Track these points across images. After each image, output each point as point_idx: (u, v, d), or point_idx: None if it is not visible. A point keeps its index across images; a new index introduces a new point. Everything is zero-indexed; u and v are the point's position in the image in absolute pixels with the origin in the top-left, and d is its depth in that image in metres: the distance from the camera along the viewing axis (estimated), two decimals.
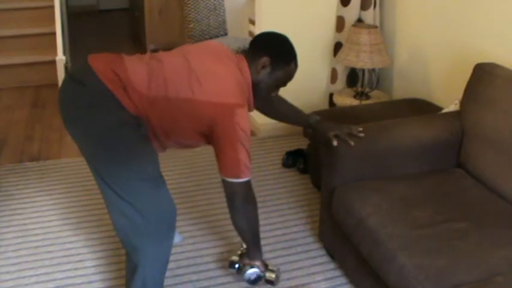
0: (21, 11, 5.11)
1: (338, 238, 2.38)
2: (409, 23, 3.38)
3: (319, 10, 3.61)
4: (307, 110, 2.46)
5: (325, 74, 3.79)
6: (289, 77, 2.10)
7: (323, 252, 2.59)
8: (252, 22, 4.37)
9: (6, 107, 4.38)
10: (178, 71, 1.92)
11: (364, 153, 2.32)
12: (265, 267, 2.25)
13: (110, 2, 7.70)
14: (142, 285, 2.02)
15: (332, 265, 2.50)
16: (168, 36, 5.40)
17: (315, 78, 3.75)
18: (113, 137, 1.87)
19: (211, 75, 1.93)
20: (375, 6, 3.49)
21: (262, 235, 2.70)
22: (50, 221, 2.82)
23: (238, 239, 2.66)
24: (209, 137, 1.99)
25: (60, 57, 4.85)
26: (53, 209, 2.93)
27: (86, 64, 1.91)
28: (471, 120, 2.40)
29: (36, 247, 2.61)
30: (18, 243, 2.64)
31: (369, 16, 3.49)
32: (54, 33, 4.90)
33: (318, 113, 2.50)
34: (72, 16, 5.99)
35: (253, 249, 2.21)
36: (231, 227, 2.76)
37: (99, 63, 1.90)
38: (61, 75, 4.84)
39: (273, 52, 2.04)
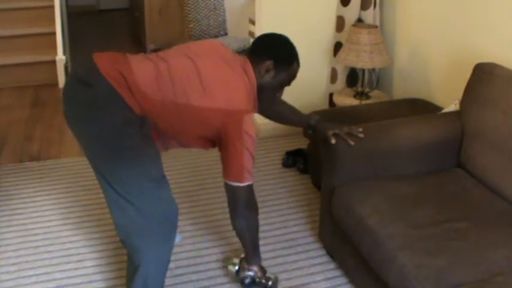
0: (21, 10, 5.12)
1: (338, 238, 2.38)
2: (409, 23, 3.38)
3: (319, 10, 3.61)
4: (307, 110, 2.46)
5: (325, 74, 3.79)
6: (292, 76, 2.11)
7: (323, 252, 2.59)
8: (252, 22, 4.37)
9: (6, 107, 4.38)
10: (186, 74, 1.91)
11: (364, 153, 2.32)
12: (263, 273, 2.27)
13: (110, 2, 7.71)
14: (144, 285, 2.02)
15: (332, 265, 2.50)
16: (168, 36, 5.39)
17: (315, 78, 3.75)
18: (116, 137, 1.87)
19: (222, 82, 1.94)
20: (374, 6, 3.49)
21: (262, 235, 2.70)
22: (49, 220, 2.82)
23: (237, 239, 2.66)
24: (216, 141, 2.02)
25: (60, 57, 4.86)
26: (52, 208, 2.93)
27: (90, 62, 1.90)
28: (471, 120, 2.40)
29: (36, 247, 2.61)
30: (18, 243, 2.64)
31: (369, 16, 3.49)
32: (54, 33, 4.91)
33: (318, 113, 2.50)
34: (72, 16, 5.99)
35: (251, 254, 2.25)
36: (231, 227, 2.77)
37: (104, 62, 1.90)
38: (61, 75, 4.86)
39: (276, 55, 2.04)
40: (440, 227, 1.99)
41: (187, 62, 1.94)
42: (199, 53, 2.01)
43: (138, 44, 5.93)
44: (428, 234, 1.95)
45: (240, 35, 4.85)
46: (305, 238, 2.70)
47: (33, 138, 3.80)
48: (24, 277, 2.41)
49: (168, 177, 2.04)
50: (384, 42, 3.29)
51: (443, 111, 2.66)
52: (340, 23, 3.60)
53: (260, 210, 2.90)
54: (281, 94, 2.17)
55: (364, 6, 3.49)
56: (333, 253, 2.52)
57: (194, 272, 2.46)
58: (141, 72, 1.88)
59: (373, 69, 3.47)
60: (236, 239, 2.67)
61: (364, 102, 3.36)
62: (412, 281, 1.79)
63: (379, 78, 3.59)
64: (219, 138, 1.98)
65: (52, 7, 4.97)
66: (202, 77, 1.91)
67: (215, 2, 4.80)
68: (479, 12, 2.74)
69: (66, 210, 2.92)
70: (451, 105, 2.63)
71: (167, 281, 2.33)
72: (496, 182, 2.24)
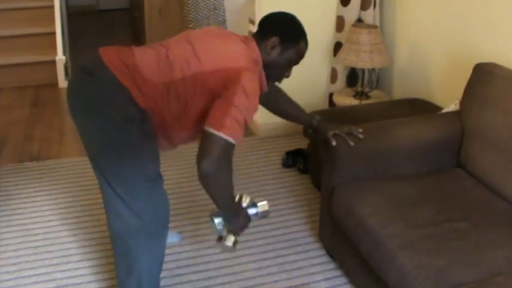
0: (21, 10, 5.12)
1: (338, 238, 2.38)
2: (409, 23, 3.38)
3: (319, 10, 3.61)
4: (307, 110, 2.46)
5: (325, 74, 3.79)
6: (300, 55, 2.05)
7: (323, 252, 2.59)
8: (252, 22, 4.37)
9: (6, 107, 4.39)
10: (185, 57, 1.90)
11: (364, 153, 2.32)
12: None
13: (109, 2, 7.70)
14: (138, 285, 2.03)
15: (332, 265, 2.50)
16: (168, 36, 5.37)
17: (314, 78, 3.75)
18: (116, 134, 1.87)
19: (216, 48, 1.92)
20: (374, 6, 3.49)
21: (262, 235, 2.71)
22: (49, 220, 2.82)
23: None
24: None
25: (60, 57, 4.86)
26: (52, 208, 2.93)
27: (97, 55, 1.91)
28: (471, 120, 2.40)
29: (36, 247, 2.61)
30: (18, 243, 2.64)
31: (369, 16, 3.49)
32: (54, 33, 4.91)
33: (317, 113, 2.50)
34: (72, 16, 5.99)
35: (223, 211, 1.98)
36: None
37: (109, 53, 1.91)
38: (61, 75, 4.86)
39: (282, 31, 2.00)
40: (440, 227, 1.99)
41: (187, 46, 1.93)
42: (199, 37, 1.99)
43: (138, 44, 5.90)
44: (428, 234, 1.95)
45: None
46: (305, 238, 2.70)
47: (33, 138, 3.80)
48: (24, 277, 2.41)
49: (167, 177, 2.04)
50: (383, 42, 3.29)
51: (443, 111, 2.66)
52: (340, 23, 3.60)
53: None
54: (289, 74, 2.10)
55: (364, 6, 3.49)
56: (333, 253, 2.52)
57: (194, 272, 2.46)
58: (143, 59, 1.89)
59: (373, 69, 3.47)
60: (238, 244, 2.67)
61: (364, 102, 3.36)
62: (412, 281, 1.79)
63: (379, 78, 3.59)
64: None
65: (52, 7, 4.97)
66: (197, 47, 1.90)
67: (215, 2, 4.80)
68: (479, 12, 2.74)
69: (66, 210, 2.92)
70: (451, 105, 2.63)
71: (167, 281, 2.33)
72: (496, 182, 2.24)
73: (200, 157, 1.79)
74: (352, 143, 2.25)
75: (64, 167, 3.37)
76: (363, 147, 2.29)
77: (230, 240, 2.01)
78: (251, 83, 1.86)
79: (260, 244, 2.64)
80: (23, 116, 4.18)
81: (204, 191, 1.86)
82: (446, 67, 3.04)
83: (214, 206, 1.97)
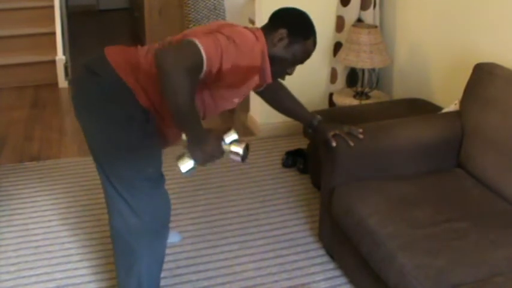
0: (21, 10, 5.11)
1: (338, 238, 2.38)
2: (409, 23, 3.38)
3: (319, 10, 3.59)
4: None
5: (325, 74, 3.79)
6: (306, 54, 2.02)
7: (323, 252, 2.59)
8: (252, 22, 4.37)
9: (6, 107, 4.38)
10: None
11: (364, 153, 2.32)
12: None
13: (109, 2, 7.70)
14: (138, 285, 2.02)
15: (332, 265, 2.50)
16: (168, 36, 5.38)
17: (314, 78, 3.75)
18: (119, 133, 1.87)
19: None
20: (374, 6, 3.49)
21: (262, 235, 2.71)
22: (49, 221, 2.82)
23: (237, 238, 2.67)
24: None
25: (60, 57, 4.86)
26: (52, 209, 2.93)
27: (101, 55, 1.91)
28: (471, 120, 2.40)
29: (36, 247, 2.61)
30: (18, 243, 2.64)
31: (369, 16, 3.49)
32: (53, 33, 4.91)
33: (317, 112, 2.49)
34: (72, 16, 5.99)
35: (181, 127, 1.77)
36: (231, 227, 2.77)
37: (115, 54, 1.91)
38: (61, 75, 4.85)
39: (291, 25, 1.96)
40: (440, 227, 1.99)
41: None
42: (203, 31, 1.95)
43: (138, 44, 5.92)
44: (428, 234, 1.95)
45: None
46: (305, 238, 2.70)
47: (33, 139, 3.80)
48: (24, 277, 2.41)
49: (168, 177, 2.04)
50: (383, 42, 3.29)
51: (443, 111, 2.66)
52: (340, 23, 3.60)
53: (260, 210, 2.92)
54: (292, 71, 2.06)
55: (364, 6, 3.49)
56: (332, 253, 2.52)
57: (194, 272, 2.45)
58: (147, 58, 1.89)
59: (373, 69, 3.47)
60: (234, 239, 2.67)
61: (364, 102, 3.36)
62: (412, 281, 1.79)
63: (379, 78, 3.59)
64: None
65: (52, 7, 4.97)
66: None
67: (215, 2, 4.80)
68: (479, 12, 2.74)
69: (66, 210, 2.92)
70: (451, 105, 2.63)
71: (167, 281, 2.33)
72: (496, 182, 2.24)
73: (167, 49, 1.72)
74: (352, 143, 2.25)
75: (64, 167, 3.37)
76: (363, 147, 2.29)
77: (186, 164, 1.76)
78: (242, 37, 1.81)
79: (260, 244, 2.64)
80: (23, 116, 4.18)
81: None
82: (446, 67, 3.04)
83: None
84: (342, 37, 3.54)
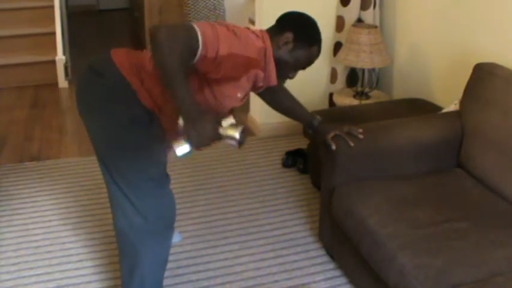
0: (21, 10, 5.11)
1: (338, 238, 2.38)
2: (409, 23, 3.38)
3: (319, 10, 3.59)
4: None
5: (325, 74, 3.79)
6: (309, 60, 2.03)
7: (323, 252, 2.59)
8: (252, 22, 4.37)
9: (6, 107, 4.38)
10: None
11: (364, 153, 2.32)
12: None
13: (109, 2, 7.70)
14: (141, 284, 2.02)
15: (332, 265, 2.50)
16: None
17: (314, 78, 3.75)
18: (122, 134, 1.88)
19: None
20: (374, 6, 3.49)
21: (262, 235, 2.71)
22: (50, 221, 2.82)
23: (237, 238, 2.67)
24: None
25: (60, 57, 4.86)
26: (53, 208, 2.93)
27: (107, 56, 1.92)
28: (471, 120, 2.40)
29: (36, 247, 2.61)
30: (18, 243, 2.64)
31: (369, 16, 3.49)
32: (53, 33, 4.91)
33: (317, 112, 2.50)
34: (72, 16, 5.99)
35: (172, 95, 1.71)
36: (231, 227, 2.77)
37: (120, 56, 1.92)
38: (61, 75, 4.85)
39: (298, 30, 1.95)
40: (440, 227, 1.99)
41: None
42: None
43: (138, 44, 5.93)
44: (428, 234, 1.95)
45: None
46: (305, 238, 2.70)
47: (33, 138, 3.80)
48: (24, 277, 2.41)
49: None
50: (383, 42, 3.29)
51: (443, 111, 2.66)
52: (340, 23, 3.60)
53: (260, 210, 2.92)
54: (294, 76, 2.06)
55: (364, 6, 3.49)
56: (332, 253, 2.52)
57: (194, 272, 2.46)
58: (150, 57, 1.88)
59: (373, 69, 3.47)
60: (234, 240, 2.67)
61: (364, 102, 3.36)
62: (412, 281, 1.79)
63: (379, 78, 3.59)
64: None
65: (52, 7, 4.97)
66: None
67: (215, 2, 4.80)
68: (480, 12, 2.74)
69: (66, 210, 2.92)
70: (451, 105, 2.63)
71: (167, 281, 2.33)
72: (496, 182, 2.24)
73: (161, 26, 1.68)
74: (352, 143, 2.25)
75: (64, 167, 3.37)
76: (363, 147, 2.29)
77: (181, 147, 1.71)
78: (244, 33, 1.82)
79: (260, 244, 2.64)
80: (23, 116, 4.18)
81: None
82: (446, 67, 3.04)
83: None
84: (342, 37, 3.54)
